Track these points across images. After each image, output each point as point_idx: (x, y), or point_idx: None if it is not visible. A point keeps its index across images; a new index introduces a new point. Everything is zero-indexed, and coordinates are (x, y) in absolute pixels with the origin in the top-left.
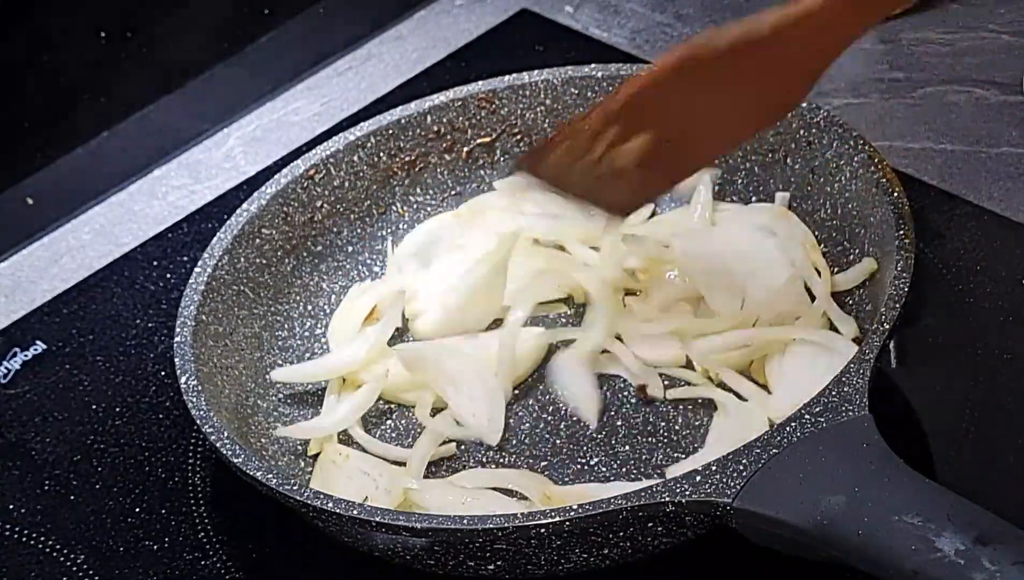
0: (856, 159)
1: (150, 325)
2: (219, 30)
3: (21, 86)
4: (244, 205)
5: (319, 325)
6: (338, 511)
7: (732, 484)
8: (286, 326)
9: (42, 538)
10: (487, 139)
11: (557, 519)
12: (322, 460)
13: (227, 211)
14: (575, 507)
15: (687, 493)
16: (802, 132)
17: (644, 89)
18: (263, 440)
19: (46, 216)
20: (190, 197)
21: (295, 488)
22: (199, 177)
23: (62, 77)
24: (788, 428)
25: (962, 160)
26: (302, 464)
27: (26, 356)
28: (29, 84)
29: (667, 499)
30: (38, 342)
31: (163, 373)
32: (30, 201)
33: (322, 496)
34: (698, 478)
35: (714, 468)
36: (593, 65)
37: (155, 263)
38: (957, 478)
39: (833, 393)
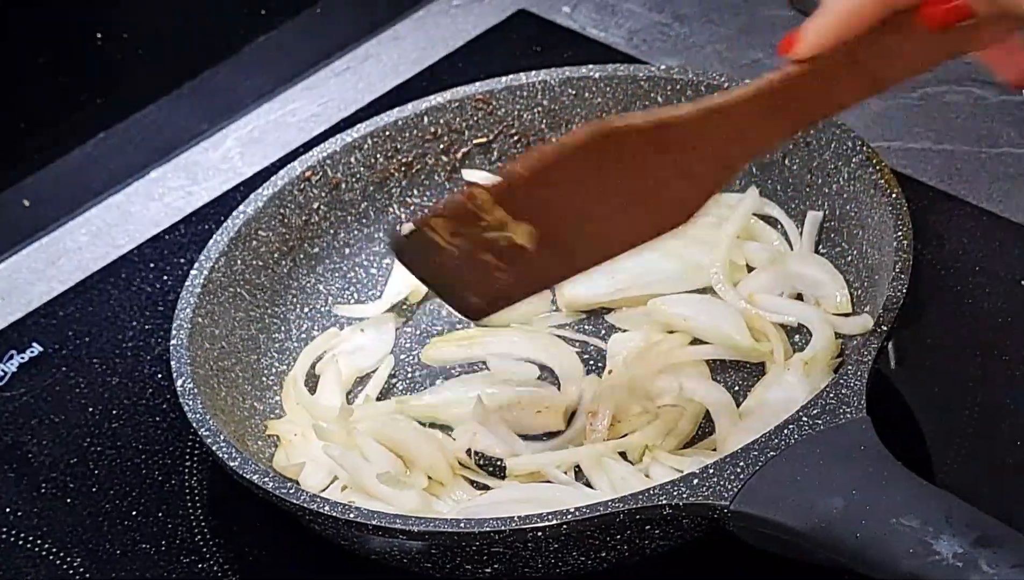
0: (855, 159)
1: (147, 327)
2: (217, 30)
3: (19, 86)
4: (241, 207)
5: (316, 327)
6: (335, 514)
7: (729, 487)
8: (283, 328)
9: (38, 541)
10: (484, 140)
11: (554, 522)
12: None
13: (224, 213)
14: (572, 510)
15: (684, 496)
16: (801, 132)
17: (547, 165)
18: (260, 443)
19: (43, 218)
20: (187, 199)
21: (292, 491)
22: (196, 178)
23: (60, 77)
24: (785, 431)
25: (962, 160)
26: None
27: (22, 358)
28: (27, 84)
29: (664, 502)
30: (34, 344)
31: (159, 376)
32: (27, 203)
33: (319, 499)
34: (695, 481)
35: (711, 471)
36: (591, 65)
37: (152, 265)
38: (956, 480)
39: (831, 395)
